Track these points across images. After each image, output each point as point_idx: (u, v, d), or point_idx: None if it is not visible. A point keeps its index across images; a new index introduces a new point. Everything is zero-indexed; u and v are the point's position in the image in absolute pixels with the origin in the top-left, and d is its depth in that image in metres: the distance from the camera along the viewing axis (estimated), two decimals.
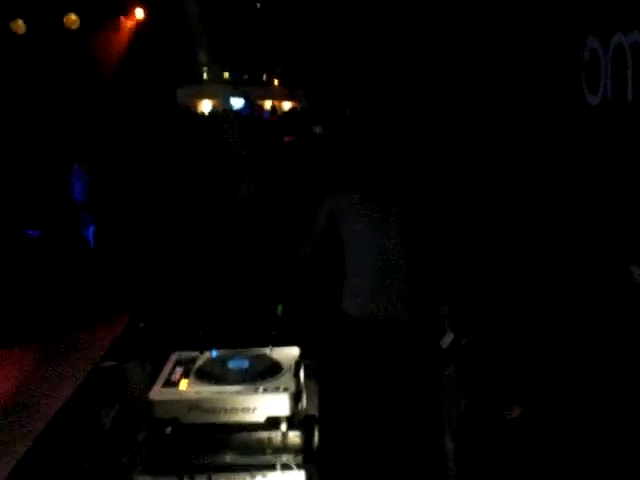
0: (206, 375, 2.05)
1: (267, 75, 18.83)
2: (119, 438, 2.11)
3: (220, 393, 1.95)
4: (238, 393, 1.95)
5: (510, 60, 3.46)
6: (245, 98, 16.89)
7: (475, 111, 3.99)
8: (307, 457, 1.95)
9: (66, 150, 7.73)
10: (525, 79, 3.28)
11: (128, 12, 8.55)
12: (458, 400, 1.33)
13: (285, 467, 1.89)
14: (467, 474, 1.16)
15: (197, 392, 1.96)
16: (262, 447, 1.95)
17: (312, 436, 2.11)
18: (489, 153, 3.68)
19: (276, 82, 18.87)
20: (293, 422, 1.98)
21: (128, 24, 8.61)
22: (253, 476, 1.86)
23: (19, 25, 7.92)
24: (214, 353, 2.23)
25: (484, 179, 3.64)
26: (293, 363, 2.15)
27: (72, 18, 8.12)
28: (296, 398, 1.99)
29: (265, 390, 1.96)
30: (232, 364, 2.10)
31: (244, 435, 1.96)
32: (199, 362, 2.15)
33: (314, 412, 2.23)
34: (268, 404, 1.93)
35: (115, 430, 2.15)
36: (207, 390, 1.97)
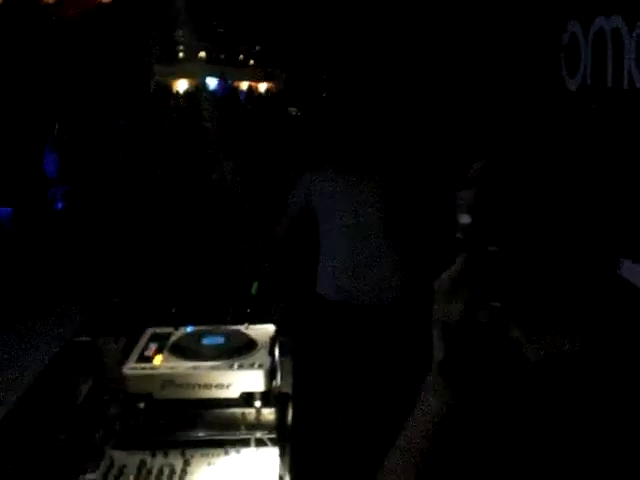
0: (180, 351, 2.03)
1: (244, 55, 18.70)
2: (92, 413, 2.10)
3: (194, 369, 1.94)
4: (212, 369, 1.94)
5: (488, 41, 3.46)
6: (221, 78, 16.79)
7: (454, 92, 3.99)
8: (281, 434, 1.95)
9: (39, 125, 7.62)
10: (504, 62, 3.28)
11: None
12: (456, 299, 1.15)
13: (259, 443, 1.89)
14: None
15: (171, 367, 1.95)
16: (236, 423, 1.95)
17: (286, 414, 2.11)
18: (468, 135, 3.69)
19: (252, 62, 18.73)
20: (267, 399, 1.98)
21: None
22: (227, 452, 1.86)
23: None
24: (189, 329, 2.22)
25: (461, 159, 3.65)
26: (268, 340, 2.14)
27: None
28: (271, 375, 1.99)
29: (240, 366, 1.95)
30: (207, 340, 2.09)
31: (218, 411, 1.95)
32: (174, 338, 2.14)
33: (288, 390, 2.24)
34: (243, 380, 1.93)
35: (88, 404, 2.14)
36: (181, 365, 1.96)
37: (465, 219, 1.18)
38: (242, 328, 2.22)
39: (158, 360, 1.99)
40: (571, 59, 2.64)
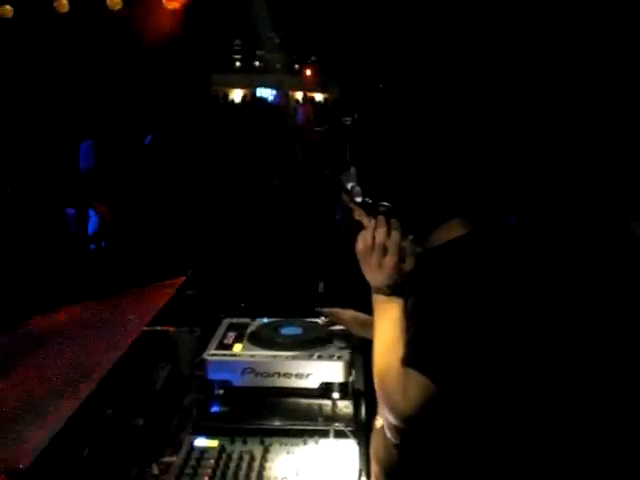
0: (260, 340, 2.05)
1: (299, 65, 18.81)
2: (169, 399, 2.12)
3: (275, 357, 1.95)
4: (293, 358, 1.95)
5: (586, 53, 3.40)
6: (277, 88, 16.93)
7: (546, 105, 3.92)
8: (358, 427, 1.95)
9: (95, 129, 7.78)
10: (606, 72, 3.22)
11: None
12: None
13: (338, 434, 1.88)
14: None
15: (252, 355, 1.96)
16: (313, 414, 1.95)
17: (360, 408, 2.10)
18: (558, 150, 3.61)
19: (308, 72, 18.81)
20: (345, 391, 1.99)
21: (170, 6, 8.62)
22: (305, 441, 1.86)
23: (62, 4, 7.98)
24: (265, 320, 2.24)
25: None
26: (344, 334, 2.14)
27: None
28: (349, 367, 1.99)
29: (320, 357, 1.96)
30: (285, 331, 2.11)
31: (295, 401, 1.96)
32: (251, 328, 2.16)
33: (360, 386, 2.23)
34: (323, 371, 1.93)
35: (165, 391, 2.16)
36: (261, 354, 1.97)
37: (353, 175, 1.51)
38: (318, 321, 2.23)
39: (238, 348, 2.00)
40: None
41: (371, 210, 1.54)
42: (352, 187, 1.63)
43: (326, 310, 2.18)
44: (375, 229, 1.51)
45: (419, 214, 1.56)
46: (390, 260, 1.49)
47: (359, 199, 1.57)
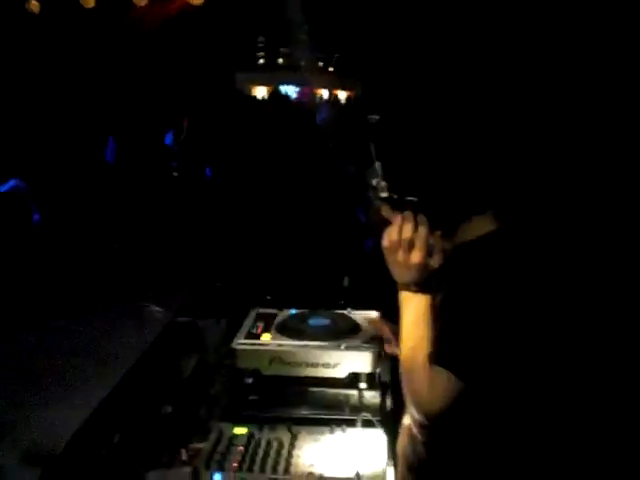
0: (288, 330, 2.06)
1: (323, 62, 18.76)
2: (197, 387, 2.14)
3: (303, 347, 1.97)
4: (321, 348, 1.96)
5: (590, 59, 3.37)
6: (301, 85, 16.91)
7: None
8: (385, 417, 1.95)
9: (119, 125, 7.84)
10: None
11: None
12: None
13: (366, 424, 1.89)
14: None
15: (280, 344, 1.98)
16: (339, 404, 1.96)
17: (387, 398, 2.11)
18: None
19: (331, 69, 18.76)
20: (372, 381, 1.99)
21: (195, 2, 8.65)
22: (333, 430, 1.87)
23: (87, 0, 8.05)
24: (293, 311, 2.25)
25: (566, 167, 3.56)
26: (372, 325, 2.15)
27: None
28: (377, 358, 2.00)
29: (348, 347, 1.96)
30: (313, 321, 2.12)
31: (322, 390, 1.97)
32: (279, 318, 2.18)
33: (386, 378, 2.23)
34: (351, 361, 1.94)
35: (193, 380, 2.18)
36: (289, 344, 1.98)
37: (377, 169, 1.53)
38: (345, 312, 2.24)
39: (266, 337, 2.02)
40: None
41: (397, 205, 1.51)
42: (377, 183, 1.59)
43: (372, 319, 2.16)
44: (402, 224, 1.47)
45: (447, 209, 1.54)
46: (417, 256, 1.46)
47: (384, 194, 1.55)
